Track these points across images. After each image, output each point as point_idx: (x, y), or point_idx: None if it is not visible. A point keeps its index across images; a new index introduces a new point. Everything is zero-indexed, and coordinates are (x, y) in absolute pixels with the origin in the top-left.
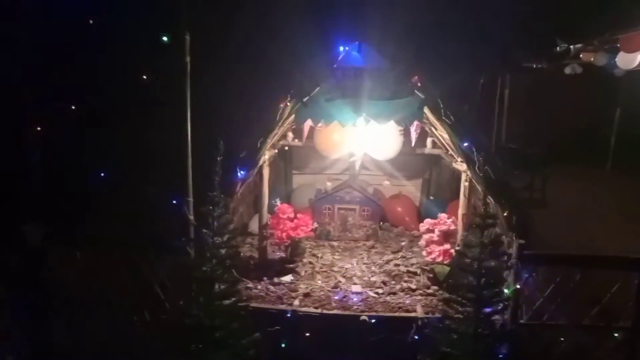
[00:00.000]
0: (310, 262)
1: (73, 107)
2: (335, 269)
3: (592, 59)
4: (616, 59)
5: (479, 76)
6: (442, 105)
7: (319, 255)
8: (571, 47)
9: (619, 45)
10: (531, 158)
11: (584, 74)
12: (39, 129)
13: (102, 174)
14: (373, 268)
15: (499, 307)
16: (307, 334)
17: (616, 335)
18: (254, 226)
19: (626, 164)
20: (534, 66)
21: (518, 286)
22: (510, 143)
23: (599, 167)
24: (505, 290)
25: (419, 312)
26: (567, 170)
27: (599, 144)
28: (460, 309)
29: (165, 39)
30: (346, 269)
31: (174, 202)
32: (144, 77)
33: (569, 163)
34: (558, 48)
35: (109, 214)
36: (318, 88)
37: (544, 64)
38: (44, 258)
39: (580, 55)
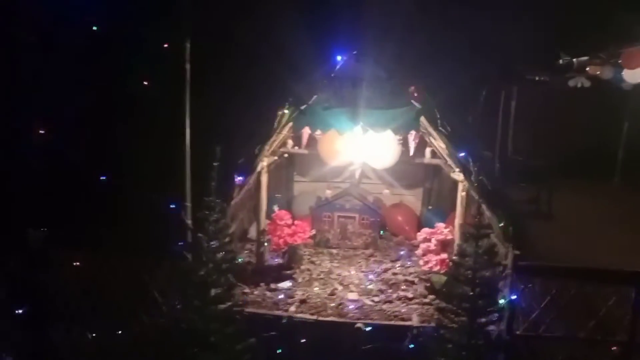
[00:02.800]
0: (308, 269)
1: (74, 112)
2: (333, 276)
3: (598, 73)
4: (622, 73)
5: (481, 88)
6: (438, 116)
7: (317, 262)
8: (574, 60)
9: (620, 61)
10: (537, 171)
11: (592, 87)
12: (41, 132)
13: (103, 178)
14: (371, 276)
15: (494, 318)
16: (303, 340)
17: (613, 349)
18: (254, 232)
19: (634, 178)
20: (536, 79)
21: (513, 297)
22: (516, 155)
23: (606, 182)
24: (500, 301)
25: (415, 321)
26: (574, 184)
27: (606, 158)
28: (454, 318)
29: (166, 46)
30: (344, 276)
31: (172, 206)
32: (145, 83)
33: (575, 177)
34: (561, 61)
35: (109, 219)
36: (315, 97)
37: (546, 76)
38: (44, 260)
39: (587, 69)
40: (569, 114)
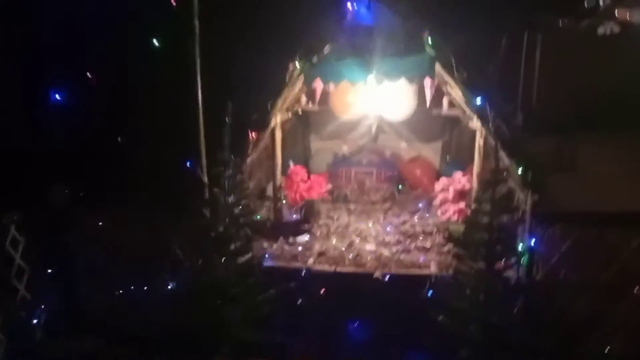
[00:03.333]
0: (326, 224)
1: (88, 75)
2: (351, 229)
3: (628, 16)
4: None
5: (498, 35)
6: (454, 62)
7: (335, 217)
8: (600, 1)
9: None
10: (561, 122)
11: (621, 33)
12: (62, 96)
13: (120, 140)
14: (388, 228)
15: (512, 263)
16: (322, 291)
17: (636, 292)
18: (271, 190)
19: None
20: (560, 23)
21: (532, 242)
22: (539, 106)
23: (634, 133)
24: (519, 247)
25: (433, 270)
26: (599, 136)
27: (634, 109)
28: (472, 264)
29: (173, 2)
30: (362, 229)
31: (188, 164)
32: (154, 40)
33: (601, 128)
34: (586, 4)
35: (130, 178)
36: (327, 47)
37: (571, 20)
38: (69, 219)
39: (615, 13)
40: (596, 63)
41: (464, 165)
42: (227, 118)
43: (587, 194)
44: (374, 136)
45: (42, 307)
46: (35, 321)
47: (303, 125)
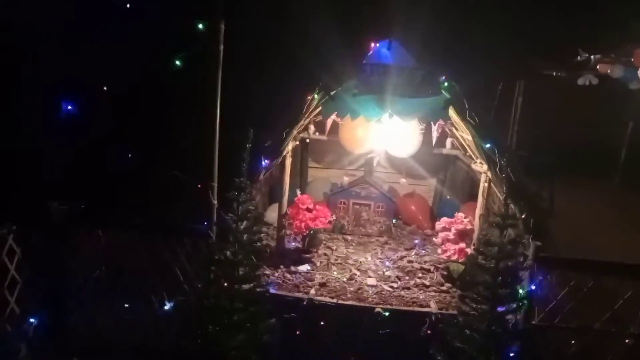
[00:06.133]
0: (325, 254)
1: (105, 89)
2: (350, 261)
3: (609, 71)
4: (639, 72)
5: (498, 81)
6: (467, 106)
7: (334, 247)
8: (592, 57)
9: (632, 59)
10: (540, 167)
11: (599, 85)
12: (68, 108)
13: (128, 156)
14: (387, 263)
15: (513, 307)
16: (322, 323)
17: (627, 341)
18: (269, 216)
19: (635, 177)
20: (554, 74)
21: (533, 287)
22: (520, 150)
23: (608, 180)
24: (520, 291)
25: (433, 308)
26: (576, 181)
27: (609, 157)
28: (474, 305)
29: (200, 26)
30: (360, 262)
31: (199, 186)
32: (177, 62)
33: (577, 174)
34: (579, 57)
35: (132, 197)
36: (346, 83)
37: (564, 72)
38: (66, 236)
39: (597, 67)
40: (574, 112)
41: (458, 204)
42: (247, 144)
43: (567, 239)
44: (373, 169)
45: (30, 322)
46: (21, 337)
47: (301, 152)
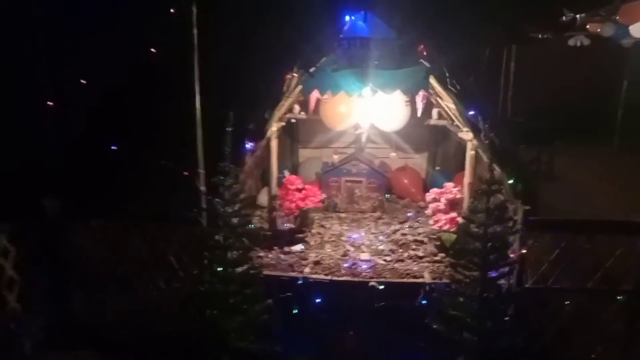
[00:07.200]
0: (319, 233)
1: (84, 82)
2: (344, 238)
3: (599, 30)
4: (630, 28)
5: (485, 48)
6: (447, 75)
7: (327, 225)
8: (577, 16)
9: (617, 17)
10: (538, 132)
11: (591, 45)
12: (54, 102)
13: (115, 148)
14: (380, 237)
15: (505, 271)
16: (318, 300)
17: (619, 298)
18: (262, 199)
19: (633, 138)
20: (540, 36)
21: (523, 251)
22: (516, 116)
23: (606, 142)
24: (511, 255)
25: (427, 278)
26: (573, 145)
27: (606, 117)
28: (467, 273)
29: (172, 10)
30: (354, 238)
31: (185, 173)
32: (153, 50)
33: (574, 137)
34: (564, 17)
35: (124, 187)
36: (325, 58)
37: (550, 34)
38: (62, 230)
39: (587, 26)
40: (567, 74)
41: (450, 175)
42: (228, 127)
43: (566, 203)
44: (363, 145)
45: (33, 318)
46: (25, 333)
47: (290, 133)
